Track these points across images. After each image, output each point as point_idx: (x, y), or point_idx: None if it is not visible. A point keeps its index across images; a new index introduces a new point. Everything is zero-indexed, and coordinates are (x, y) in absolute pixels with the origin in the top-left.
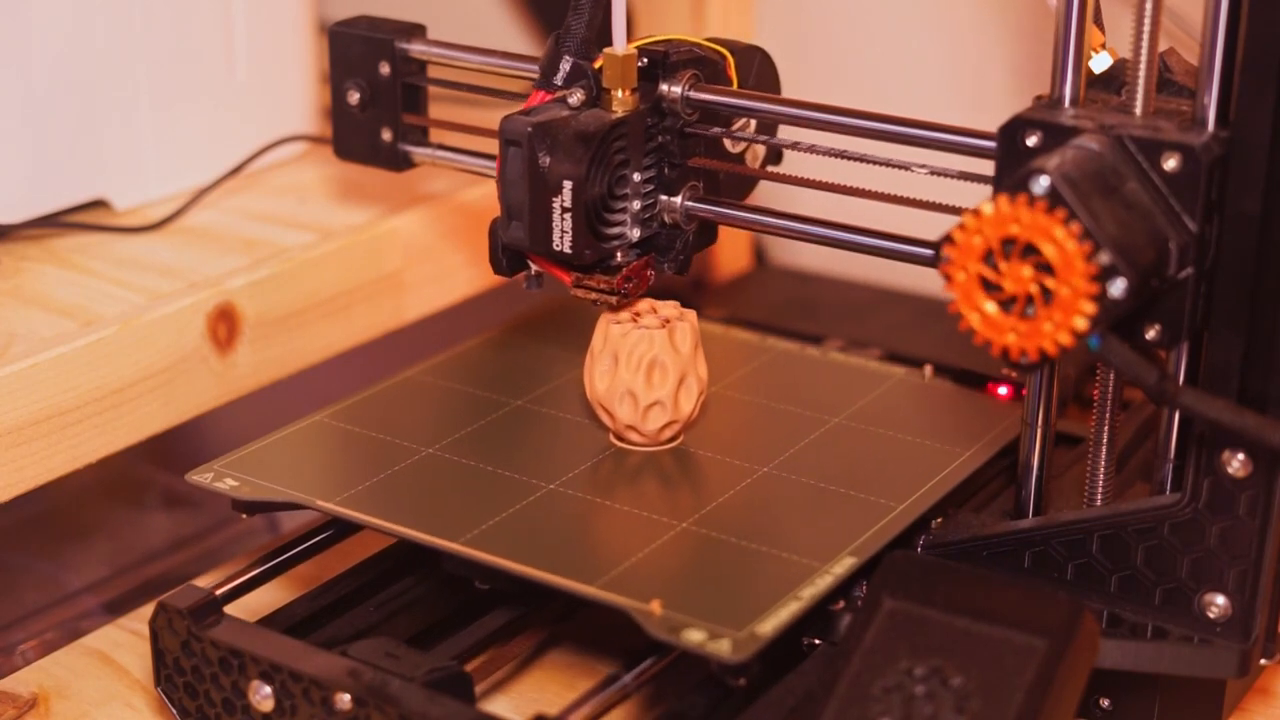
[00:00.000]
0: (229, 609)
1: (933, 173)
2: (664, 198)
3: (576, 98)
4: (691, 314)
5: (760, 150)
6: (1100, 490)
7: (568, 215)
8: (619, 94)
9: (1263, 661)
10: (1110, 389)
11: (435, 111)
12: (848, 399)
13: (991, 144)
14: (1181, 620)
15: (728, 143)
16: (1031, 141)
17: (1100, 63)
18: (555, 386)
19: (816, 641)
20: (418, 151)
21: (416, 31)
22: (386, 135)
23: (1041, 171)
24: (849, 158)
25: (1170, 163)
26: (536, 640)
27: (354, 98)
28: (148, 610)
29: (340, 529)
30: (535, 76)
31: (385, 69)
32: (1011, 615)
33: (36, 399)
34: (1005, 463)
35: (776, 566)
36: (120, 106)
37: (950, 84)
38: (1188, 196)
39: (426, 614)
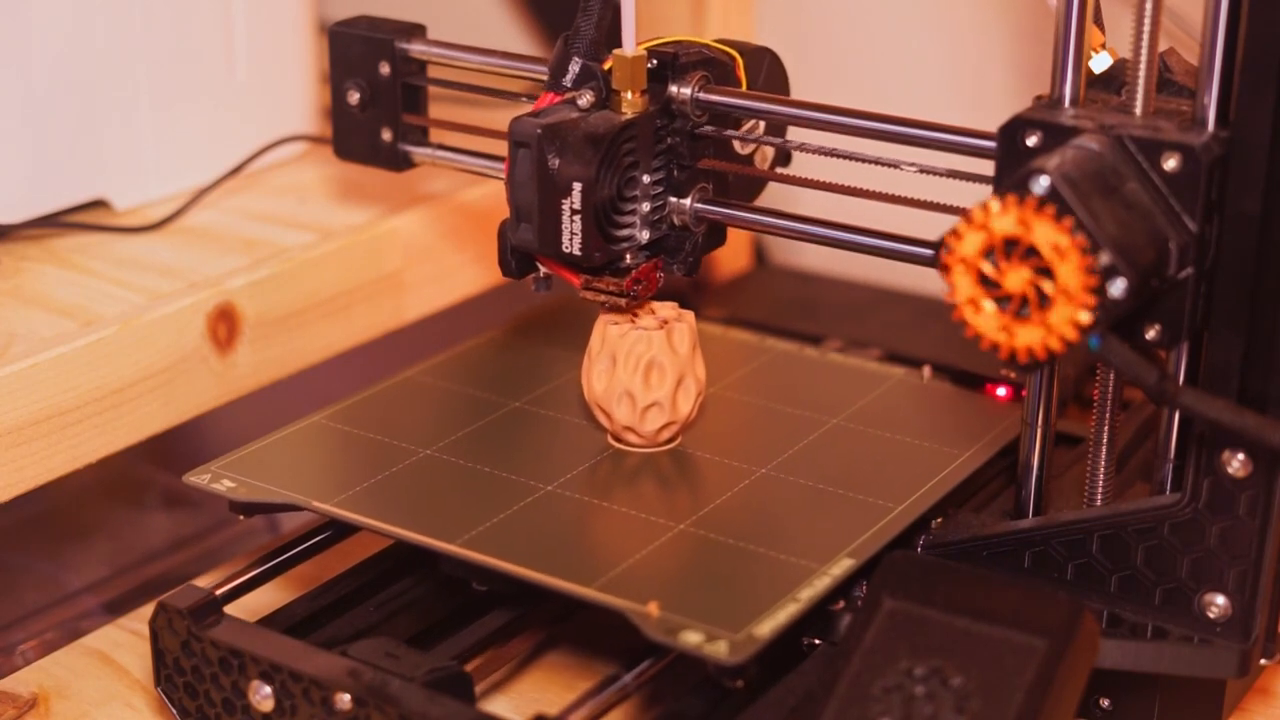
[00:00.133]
0: (229, 609)
1: (922, 170)
2: (673, 199)
3: (586, 99)
4: (689, 315)
5: (769, 151)
6: (1100, 490)
7: (577, 217)
8: (628, 96)
9: (1263, 661)
10: (1110, 389)
11: (435, 111)
12: (846, 400)
13: (991, 144)
14: (1181, 620)
15: (737, 144)
16: (1031, 141)
17: (1100, 63)
18: (553, 387)
19: (816, 641)
20: (418, 151)
21: (416, 31)
22: (386, 135)
23: (1041, 171)
24: (860, 160)
25: (1170, 163)
26: (536, 640)
27: (354, 98)
28: (148, 610)
29: (340, 529)
30: (535, 76)
31: (385, 69)
32: (1011, 615)
33: (36, 399)
34: (1005, 463)
35: (774, 568)
36: (120, 106)
37: (950, 84)
38: (1188, 196)
39: (426, 614)
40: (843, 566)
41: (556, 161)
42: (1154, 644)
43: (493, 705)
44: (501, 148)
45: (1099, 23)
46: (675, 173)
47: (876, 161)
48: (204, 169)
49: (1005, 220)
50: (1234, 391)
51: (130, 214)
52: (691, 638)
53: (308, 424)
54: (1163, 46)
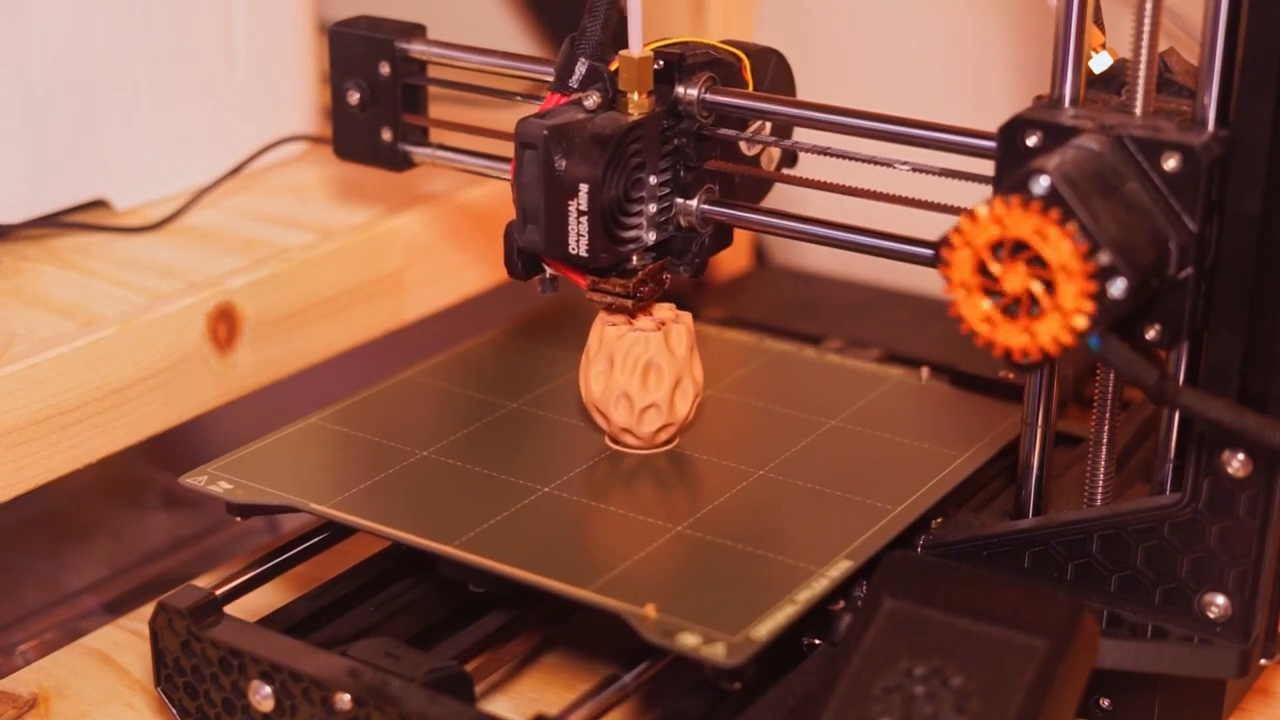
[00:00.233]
0: (229, 609)
1: (914, 169)
2: (680, 201)
3: (592, 100)
4: (687, 316)
5: (775, 152)
6: (1100, 490)
7: (584, 218)
8: (635, 97)
9: (1263, 661)
10: (1110, 389)
11: (435, 111)
12: (845, 401)
13: (991, 144)
14: (1181, 620)
15: (743, 145)
16: (1031, 141)
17: (1100, 63)
18: (552, 389)
19: (816, 642)
20: (418, 151)
21: (416, 31)
22: (386, 135)
23: (1041, 171)
24: (867, 160)
25: (1170, 163)
26: (536, 641)
27: (354, 98)
28: (148, 610)
29: (339, 530)
30: (535, 76)
31: (385, 69)
32: (1011, 615)
33: (36, 399)
34: (1005, 463)
35: (772, 570)
36: (120, 106)
37: (951, 84)
38: (1188, 196)
39: (426, 614)
40: (841, 568)
41: (563, 163)
42: (1154, 644)
43: (493, 705)
44: (501, 148)
45: (1099, 23)
46: (682, 174)
47: (885, 163)
48: (204, 169)
49: (1005, 220)
50: (1234, 391)
51: (130, 214)
52: (689, 640)
53: (305, 425)
54: (1163, 46)
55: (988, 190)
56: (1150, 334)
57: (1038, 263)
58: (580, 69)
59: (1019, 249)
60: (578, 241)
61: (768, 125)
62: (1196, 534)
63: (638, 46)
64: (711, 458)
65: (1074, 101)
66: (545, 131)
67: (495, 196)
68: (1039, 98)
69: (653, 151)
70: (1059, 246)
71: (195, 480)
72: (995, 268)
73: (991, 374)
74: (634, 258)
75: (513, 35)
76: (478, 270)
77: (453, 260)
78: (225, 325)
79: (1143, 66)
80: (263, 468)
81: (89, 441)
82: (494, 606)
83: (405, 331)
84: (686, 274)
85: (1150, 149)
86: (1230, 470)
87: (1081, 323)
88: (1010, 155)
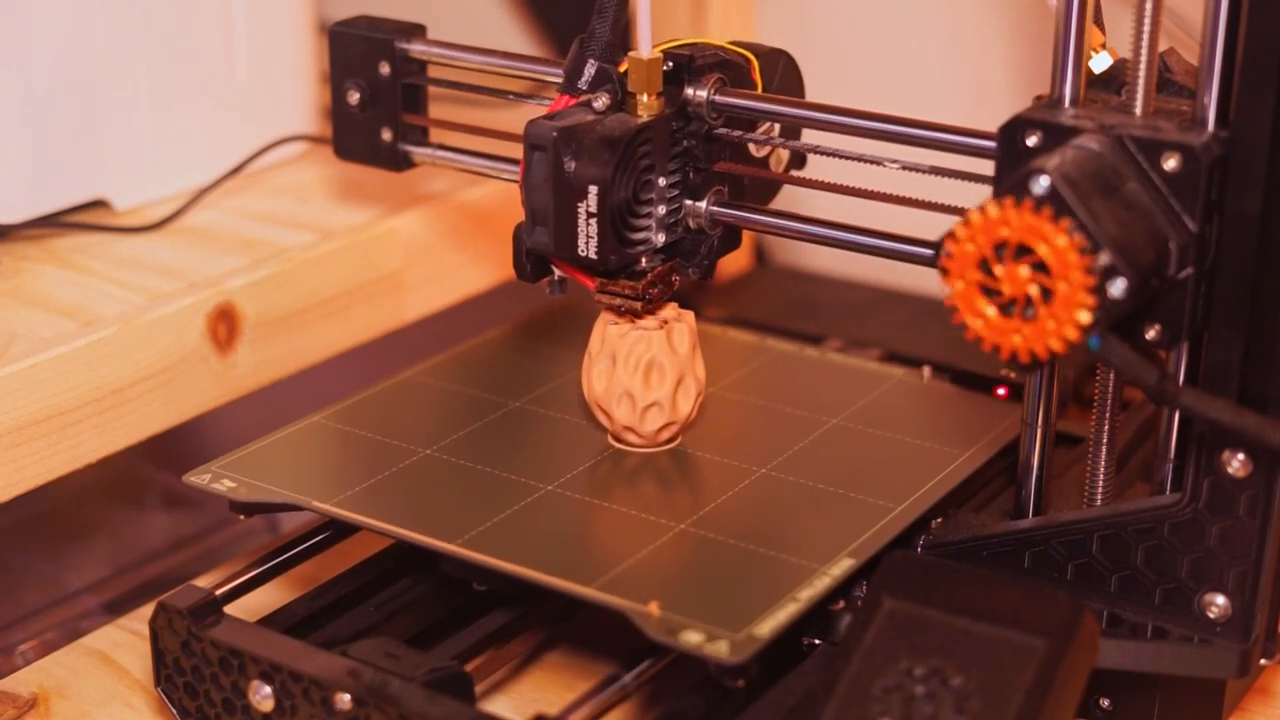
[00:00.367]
0: (229, 609)
1: (904, 168)
2: (689, 202)
3: (601, 102)
4: (689, 315)
5: (783, 154)
6: (1100, 490)
7: (593, 220)
8: (644, 98)
9: (1263, 661)
10: (1110, 389)
11: (435, 111)
12: (846, 400)
13: (994, 144)
14: (1181, 620)
15: (752, 147)
16: (1031, 141)
17: (1100, 63)
18: (553, 387)
19: (816, 641)
20: (418, 151)
21: (416, 31)
22: (386, 135)
23: (1041, 171)
24: (878, 162)
25: (1170, 163)
26: (536, 640)
27: (354, 98)
28: (148, 610)
29: (340, 529)
30: (535, 76)
31: (385, 69)
32: (1011, 615)
33: (36, 399)
34: (1005, 463)
35: (774, 568)
36: (120, 106)
37: (951, 84)
38: (1188, 196)
39: (426, 614)
40: (843, 566)
41: (572, 164)
42: (1154, 644)
43: (493, 705)
44: (501, 148)
45: (1099, 23)
46: (691, 175)
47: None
48: (204, 169)
49: (1001, 223)
50: (1234, 391)
51: (130, 214)
52: (692, 637)
53: (308, 424)
54: (1163, 46)
55: (988, 190)
56: (1150, 334)
57: (1038, 264)
58: (589, 70)
59: (1021, 252)
60: (587, 243)
61: (777, 127)
62: (1196, 534)
63: (647, 48)
64: (714, 456)
65: (1074, 101)
66: (555, 133)
67: (495, 196)
68: (1039, 98)
69: (662, 153)
70: (1054, 247)
71: (199, 479)
72: (996, 268)
73: (993, 373)
74: (643, 259)
75: (513, 35)
76: (478, 270)
77: (453, 260)
78: (225, 325)
79: (1143, 66)
80: (266, 466)
81: (89, 441)
82: (494, 606)
83: (405, 332)
84: (695, 276)
85: (1150, 149)
86: (1230, 470)
87: (1082, 323)
88: (1010, 155)
